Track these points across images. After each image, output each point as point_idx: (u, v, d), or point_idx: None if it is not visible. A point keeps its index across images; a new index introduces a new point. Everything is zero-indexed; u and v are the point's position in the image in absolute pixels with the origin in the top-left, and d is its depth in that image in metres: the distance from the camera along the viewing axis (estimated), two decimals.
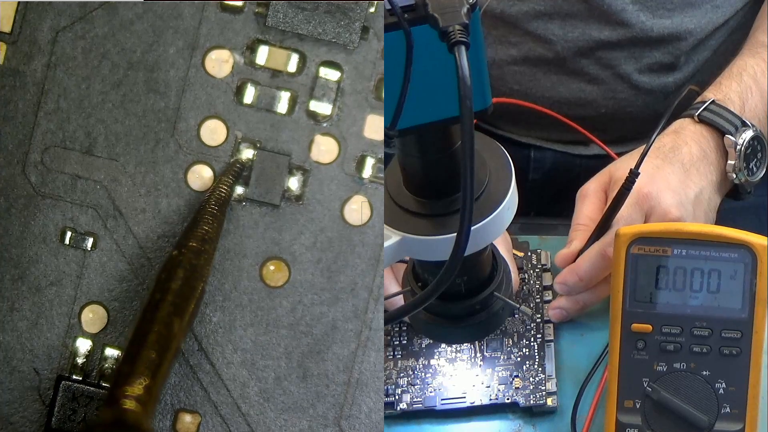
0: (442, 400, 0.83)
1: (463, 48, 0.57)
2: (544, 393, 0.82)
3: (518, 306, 0.76)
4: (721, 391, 0.74)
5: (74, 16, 0.74)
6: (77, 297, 0.75)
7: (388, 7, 0.58)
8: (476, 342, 0.84)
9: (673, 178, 0.86)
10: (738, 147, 0.88)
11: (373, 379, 0.74)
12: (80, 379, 0.75)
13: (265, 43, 0.74)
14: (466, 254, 0.61)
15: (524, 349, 0.84)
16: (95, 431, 0.64)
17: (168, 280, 0.69)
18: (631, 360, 0.75)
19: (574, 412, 0.81)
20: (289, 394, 0.75)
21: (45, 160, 0.74)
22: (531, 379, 0.83)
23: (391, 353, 0.85)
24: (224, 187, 0.73)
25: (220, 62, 0.74)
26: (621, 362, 0.75)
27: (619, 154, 0.92)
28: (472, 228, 0.61)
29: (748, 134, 0.88)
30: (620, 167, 0.87)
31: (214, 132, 0.74)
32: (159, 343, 0.67)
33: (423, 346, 0.86)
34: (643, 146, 0.83)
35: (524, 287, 0.88)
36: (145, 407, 0.65)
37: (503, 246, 0.82)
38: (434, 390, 0.84)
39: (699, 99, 0.91)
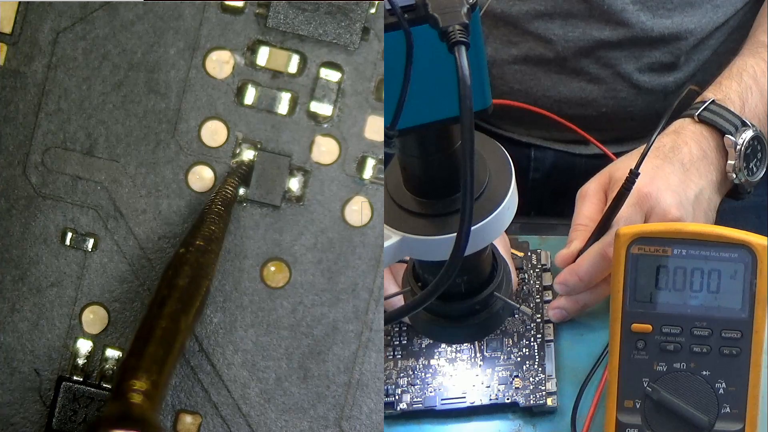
0: (442, 400, 0.83)
1: (463, 48, 0.57)
2: (544, 393, 0.82)
3: (518, 306, 0.76)
4: (721, 391, 0.74)
5: (75, 16, 0.74)
6: (78, 298, 0.75)
7: (388, 7, 0.58)
8: (476, 342, 0.85)
9: (673, 178, 0.86)
10: (738, 147, 0.88)
11: (373, 380, 0.74)
12: (81, 380, 0.75)
13: (266, 44, 0.74)
14: (466, 254, 0.61)
15: (524, 349, 0.84)
16: (103, 425, 0.63)
17: (175, 277, 0.69)
18: (631, 360, 0.75)
19: (574, 412, 0.81)
20: (289, 395, 0.75)
21: (46, 161, 0.75)
22: (531, 379, 0.83)
23: (391, 353, 0.85)
24: (230, 188, 0.73)
25: (220, 63, 0.74)
26: (621, 362, 0.75)
27: (619, 154, 0.92)
28: (472, 228, 0.61)
29: (748, 134, 0.88)
30: (620, 167, 0.87)
31: (214, 133, 0.74)
32: (165, 338, 0.67)
33: (423, 346, 0.86)
34: (643, 146, 0.83)
35: (524, 287, 0.88)
36: (151, 401, 0.65)
37: (501, 246, 0.82)
38: (434, 390, 0.84)
39: (699, 99, 0.91)
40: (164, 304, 0.68)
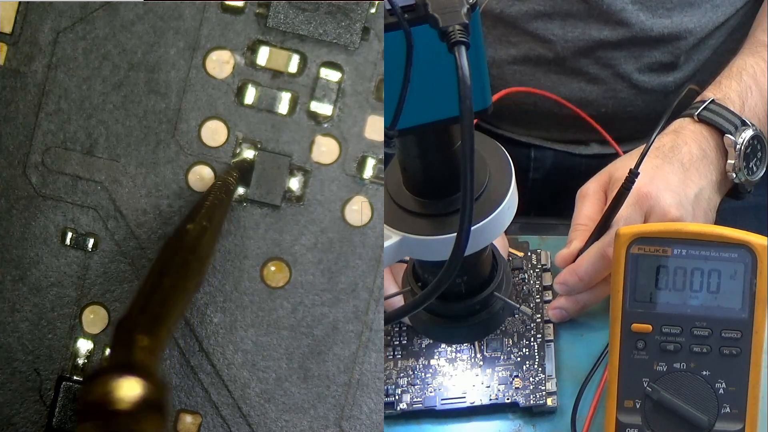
0: (442, 400, 0.83)
1: (463, 48, 0.57)
2: (544, 393, 0.82)
3: (518, 306, 0.76)
4: (721, 391, 0.74)
5: (75, 16, 0.74)
6: (78, 298, 0.75)
7: (388, 7, 0.58)
8: (476, 342, 0.85)
9: (672, 178, 0.86)
10: (738, 146, 0.88)
11: (373, 380, 0.74)
12: (81, 379, 0.75)
13: (266, 43, 0.74)
14: (466, 254, 0.61)
15: (524, 349, 0.84)
16: (104, 373, 0.63)
17: (178, 246, 0.68)
18: (631, 360, 0.75)
19: (574, 412, 0.81)
20: (290, 395, 0.75)
21: (46, 161, 0.75)
22: (531, 379, 0.83)
23: (391, 353, 0.85)
24: (231, 178, 0.73)
25: (220, 63, 0.74)
26: (621, 362, 0.75)
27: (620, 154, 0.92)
28: (472, 228, 0.61)
29: (747, 133, 0.88)
30: (620, 167, 0.87)
31: (215, 133, 0.74)
32: (166, 299, 0.66)
33: (423, 346, 0.86)
34: (643, 146, 0.83)
35: (524, 287, 0.88)
36: (153, 354, 0.64)
37: (499, 245, 0.82)
38: (434, 390, 0.84)
39: (699, 98, 0.91)
40: (166, 269, 0.67)
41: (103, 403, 0.60)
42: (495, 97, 0.90)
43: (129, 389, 0.61)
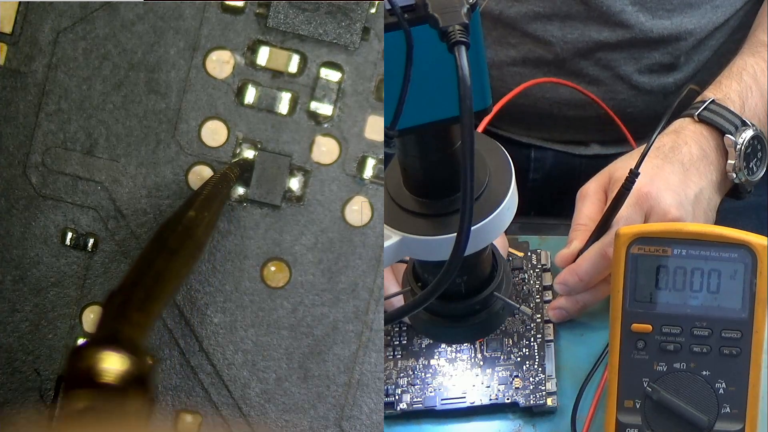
0: (442, 400, 0.83)
1: (463, 48, 0.57)
2: (544, 393, 0.82)
3: (518, 306, 0.76)
4: (721, 391, 0.74)
5: (75, 16, 0.74)
6: (78, 298, 0.75)
7: (388, 7, 0.58)
8: (476, 342, 0.85)
9: (672, 178, 0.86)
10: (738, 146, 0.88)
11: (373, 380, 0.74)
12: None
13: (266, 44, 0.74)
14: (466, 254, 0.61)
15: (524, 349, 0.84)
16: (93, 345, 0.62)
17: (175, 230, 0.68)
18: (631, 360, 0.75)
19: (574, 412, 0.81)
20: (290, 395, 0.75)
21: (46, 161, 0.75)
22: (531, 379, 0.83)
23: (391, 353, 0.85)
24: (231, 174, 0.72)
25: (221, 63, 0.74)
26: (621, 362, 0.75)
27: (620, 154, 0.92)
28: (472, 228, 0.61)
29: (748, 134, 0.88)
30: (620, 167, 0.87)
31: (215, 133, 0.74)
32: (160, 277, 0.65)
33: (423, 346, 0.86)
34: (643, 146, 0.83)
35: (524, 287, 0.88)
36: (142, 331, 0.64)
37: (499, 245, 0.82)
38: (434, 390, 0.84)
39: (699, 98, 0.91)
40: (162, 250, 0.67)
41: (89, 374, 0.60)
42: (514, 92, 0.91)
43: (116, 363, 0.60)
